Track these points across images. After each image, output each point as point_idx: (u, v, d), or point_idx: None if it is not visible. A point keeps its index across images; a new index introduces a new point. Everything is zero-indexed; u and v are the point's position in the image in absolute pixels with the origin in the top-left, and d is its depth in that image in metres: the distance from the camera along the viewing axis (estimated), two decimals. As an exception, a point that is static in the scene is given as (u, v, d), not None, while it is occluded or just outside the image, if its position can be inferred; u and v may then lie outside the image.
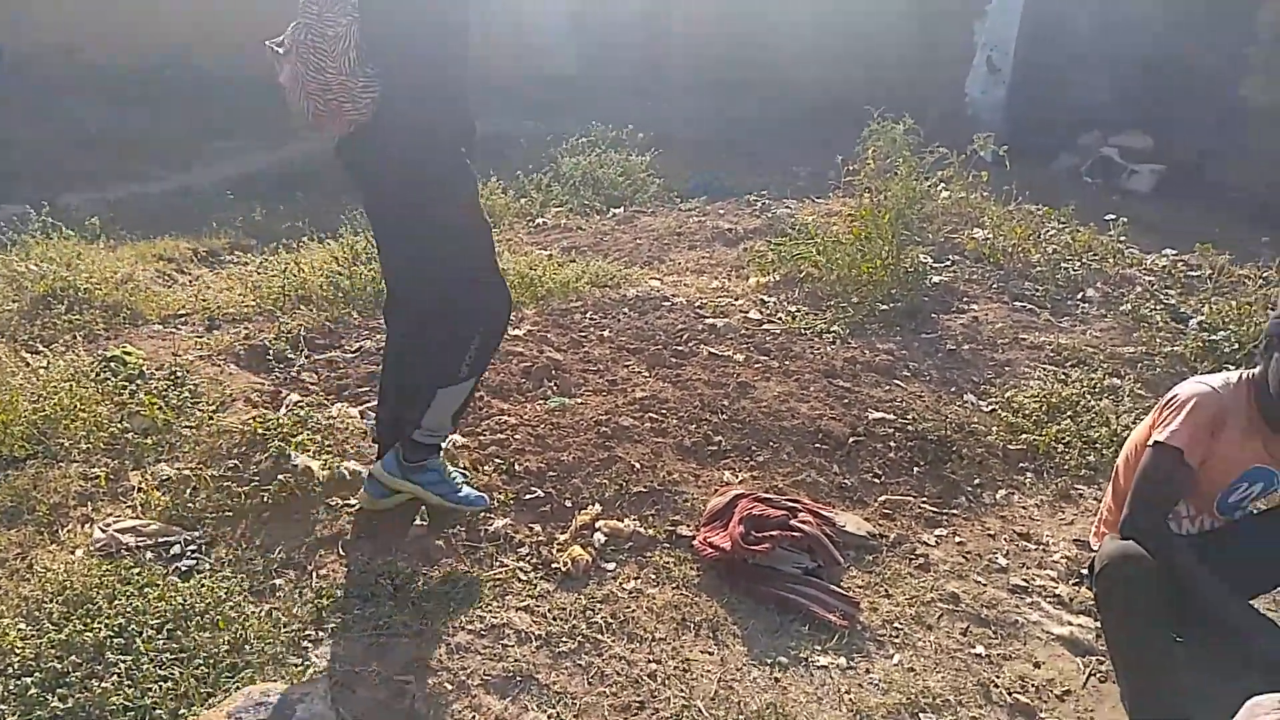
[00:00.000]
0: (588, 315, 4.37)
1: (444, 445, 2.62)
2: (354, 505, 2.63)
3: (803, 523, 2.66)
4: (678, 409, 3.36)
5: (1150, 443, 2.32)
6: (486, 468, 2.86)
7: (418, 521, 2.61)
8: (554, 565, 2.51)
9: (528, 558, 2.55)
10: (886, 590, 2.67)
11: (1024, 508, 3.18)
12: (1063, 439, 3.49)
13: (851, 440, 3.34)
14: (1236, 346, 4.16)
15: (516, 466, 2.87)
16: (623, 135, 7.98)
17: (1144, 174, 7.57)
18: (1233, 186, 7.32)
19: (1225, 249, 5.56)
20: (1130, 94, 8.16)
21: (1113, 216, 5.68)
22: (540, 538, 2.62)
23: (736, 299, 4.81)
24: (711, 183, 7.77)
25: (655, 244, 5.94)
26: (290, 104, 2.22)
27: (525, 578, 2.47)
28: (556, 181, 7.09)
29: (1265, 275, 5.16)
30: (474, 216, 2.40)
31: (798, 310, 4.63)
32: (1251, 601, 2.33)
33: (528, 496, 2.77)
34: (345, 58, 2.15)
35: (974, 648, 2.49)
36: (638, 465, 2.99)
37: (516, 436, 3.02)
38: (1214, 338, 4.25)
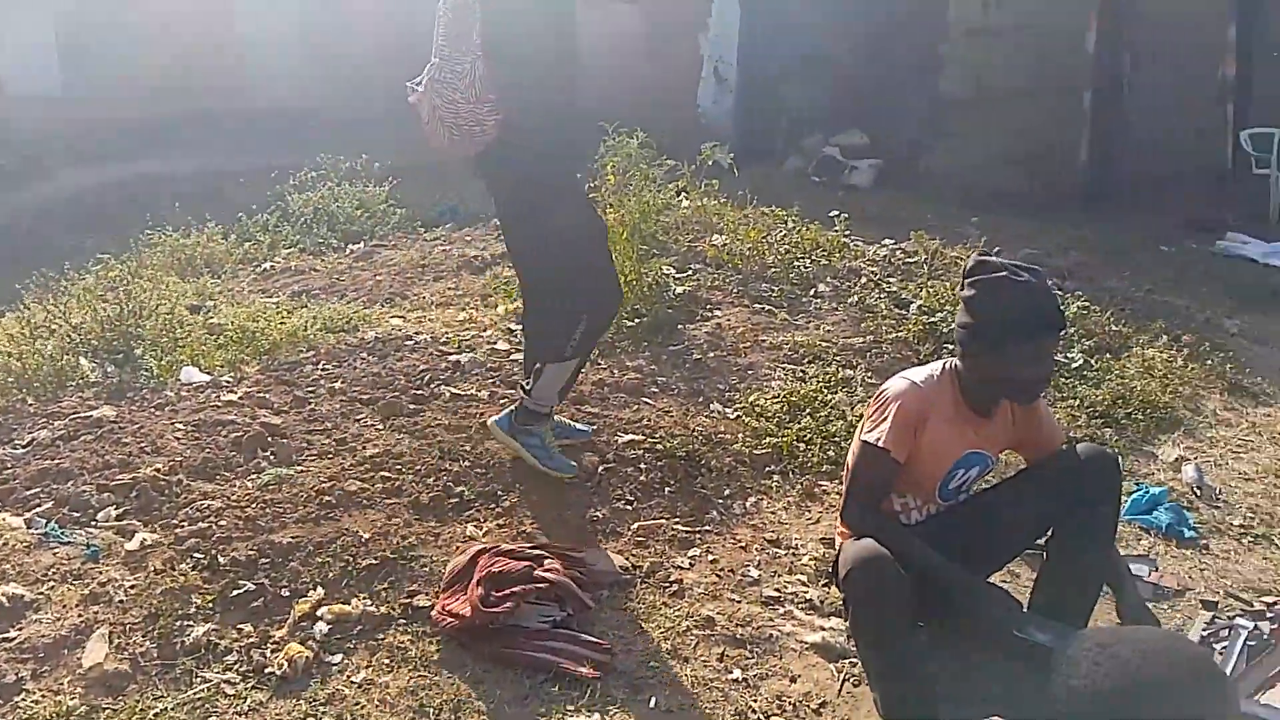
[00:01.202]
0: (319, 366, 4.02)
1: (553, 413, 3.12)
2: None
3: (549, 571, 2.51)
4: (414, 462, 3.12)
5: (860, 441, 2.35)
6: (183, 565, 2.50)
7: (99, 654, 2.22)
8: (268, 670, 2.22)
9: (236, 666, 2.23)
10: (641, 626, 2.57)
11: (772, 512, 3.20)
12: (804, 437, 3.56)
13: (601, 469, 3.24)
14: (953, 327, 4.45)
15: (221, 559, 2.53)
16: (357, 166, 7.58)
17: (864, 169, 8.09)
18: (941, 174, 7.96)
19: (938, 234, 5.99)
20: (846, 95, 8.71)
21: (836, 212, 5.98)
22: (252, 639, 2.31)
23: (485, 330, 4.61)
24: (458, 208, 7.54)
25: (398, 279, 5.63)
26: (427, 133, 2.75)
27: (233, 691, 2.16)
28: (285, 221, 6.61)
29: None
30: (583, 215, 2.92)
31: (546, 336, 4.50)
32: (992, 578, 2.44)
33: (235, 592, 2.44)
34: (472, 90, 2.62)
35: (731, 673, 2.43)
36: (367, 535, 2.73)
37: (221, 523, 2.67)
38: (933, 320, 4.53)
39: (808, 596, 2.77)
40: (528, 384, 3.02)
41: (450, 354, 4.17)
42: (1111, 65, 8.88)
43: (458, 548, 2.70)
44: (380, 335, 4.40)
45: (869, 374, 4.10)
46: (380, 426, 3.41)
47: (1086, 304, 5.06)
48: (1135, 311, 5.16)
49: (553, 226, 2.79)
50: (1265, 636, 2.54)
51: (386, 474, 3.04)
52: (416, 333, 4.47)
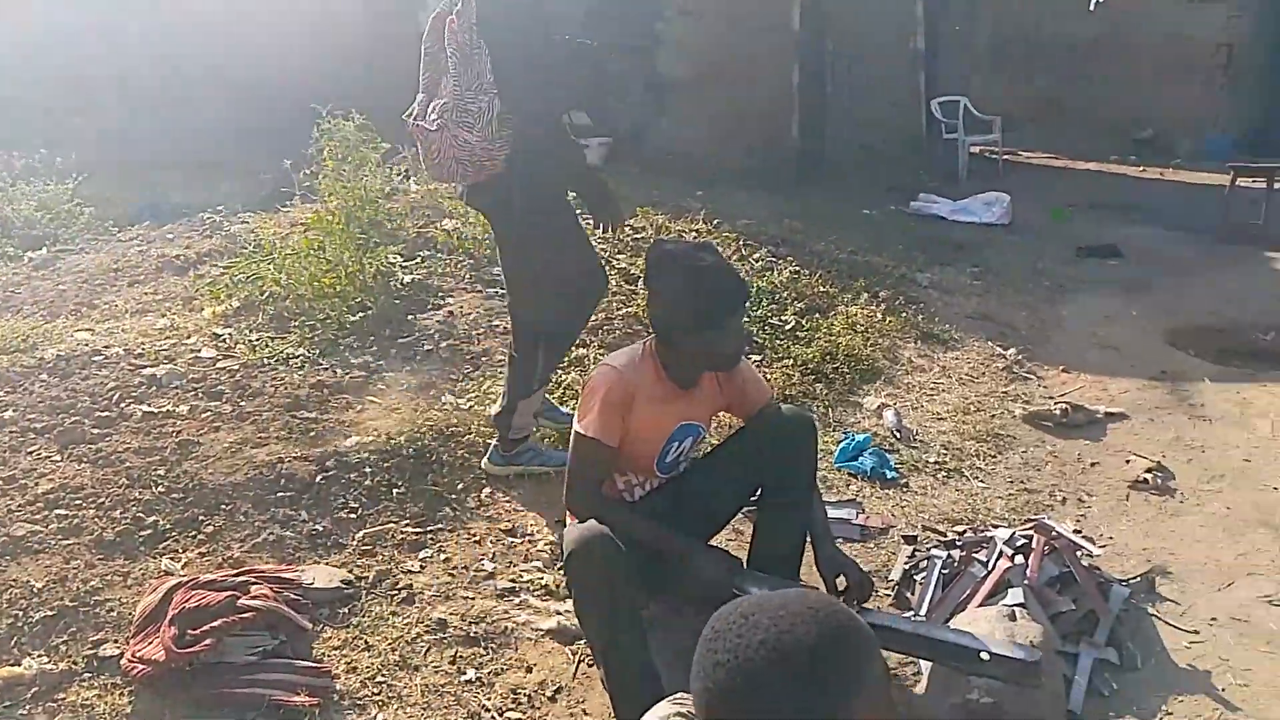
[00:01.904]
0: (-15, 395, 3.50)
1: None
2: None
3: (255, 598, 2.32)
4: (96, 494, 2.79)
5: (573, 431, 2.35)
6: None
7: None
8: (-95, 762, 1.89)
9: None
10: (367, 640, 2.44)
11: (508, 501, 3.15)
12: (537, 422, 3.53)
13: (320, 478, 3.05)
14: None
15: None
16: (35, 162, 6.69)
17: (594, 148, 8.17)
18: (666, 152, 8.21)
19: (665, 209, 6.17)
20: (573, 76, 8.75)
21: (566, 192, 5.99)
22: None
23: (188, 337, 4.20)
24: (159, 204, 6.84)
25: (85, 287, 5.02)
26: (432, 166, 2.92)
27: None
28: (-61, 231, 5.70)
29: (696, 228, 5.81)
30: (569, 237, 3.05)
31: (260, 338, 4.17)
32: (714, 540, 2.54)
33: None
34: (489, 128, 2.78)
35: (464, 674, 2.37)
36: (40, 584, 2.40)
37: None
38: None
39: (543, 582, 2.75)
40: (506, 420, 3.13)
41: (145, 367, 3.77)
42: (815, 44, 9.54)
43: (150, 586, 2.43)
44: (63, 352, 3.90)
45: (601, 350, 4.14)
46: (57, 457, 3.02)
47: (798, 269, 5.40)
48: (840, 273, 5.57)
49: (547, 251, 2.98)
50: (956, 564, 2.82)
51: (63, 511, 2.70)
52: (106, 346, 4.00)
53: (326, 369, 3.85)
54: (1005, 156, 10.77)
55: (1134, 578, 2.90)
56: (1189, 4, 12.48)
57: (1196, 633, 2.71)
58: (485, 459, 3.23)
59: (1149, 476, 3.56)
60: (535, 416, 3.25)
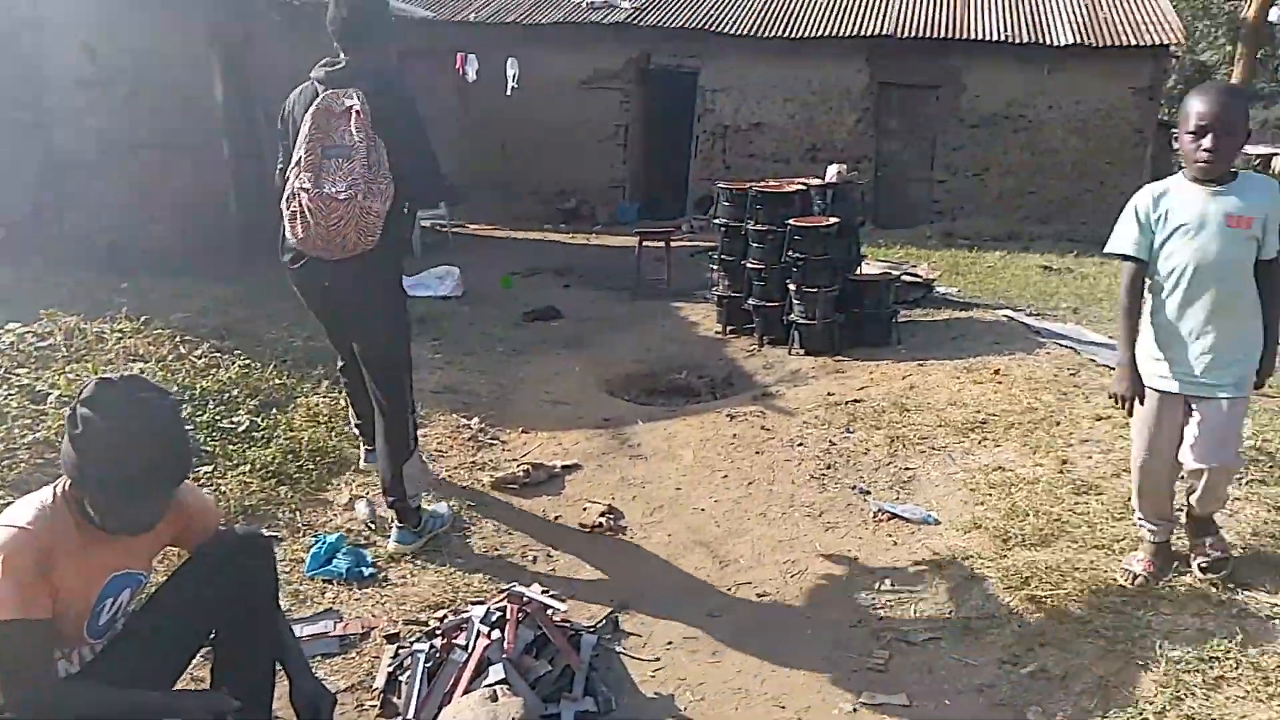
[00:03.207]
0: None
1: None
2: None
3: None
4: None
5: None
6: None
7: None
8: None
9: None
10: None
11: None
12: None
13: None
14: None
15: None
16: None
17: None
18: (76, 238, 7.13)
19: (79, 307, 5.33)
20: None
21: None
22: None
23: None
24: None
25: None
26: (317, 232, 3.13)
27: None
28: None
29: (120, 328, 5.09)
30: (404, 313, 3.56)
31: None
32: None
33: None
34: (389, 200, 3.16)
35: None
36: None
37: None
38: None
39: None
40: (397, 492, 3.48)
41: None
42: (244, 112, 9.09)
43: None
44: None
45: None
46: None
47: (248, 362, 5.02)
48: (298, 361, 5.29)
49: (401, 319, 3.52)
50: (438, 653, 2.76)
51: None
52: None
53: None
54: (454, 230, 11.35)
55: (600, 621, 3.13)
56: (589, 90, 14.47)
57: (658, 659, 3.01)
58: (392, 543, 3.50)
59: (603, 520, 3.91)
60: (425, 474, 3.81)
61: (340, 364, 3.83)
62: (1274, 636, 2.78)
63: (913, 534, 3.67)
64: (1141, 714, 2.57)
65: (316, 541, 3.44)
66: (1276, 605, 2.92)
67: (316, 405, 4.66)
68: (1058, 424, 4.32)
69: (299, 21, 9.23)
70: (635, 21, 14.07)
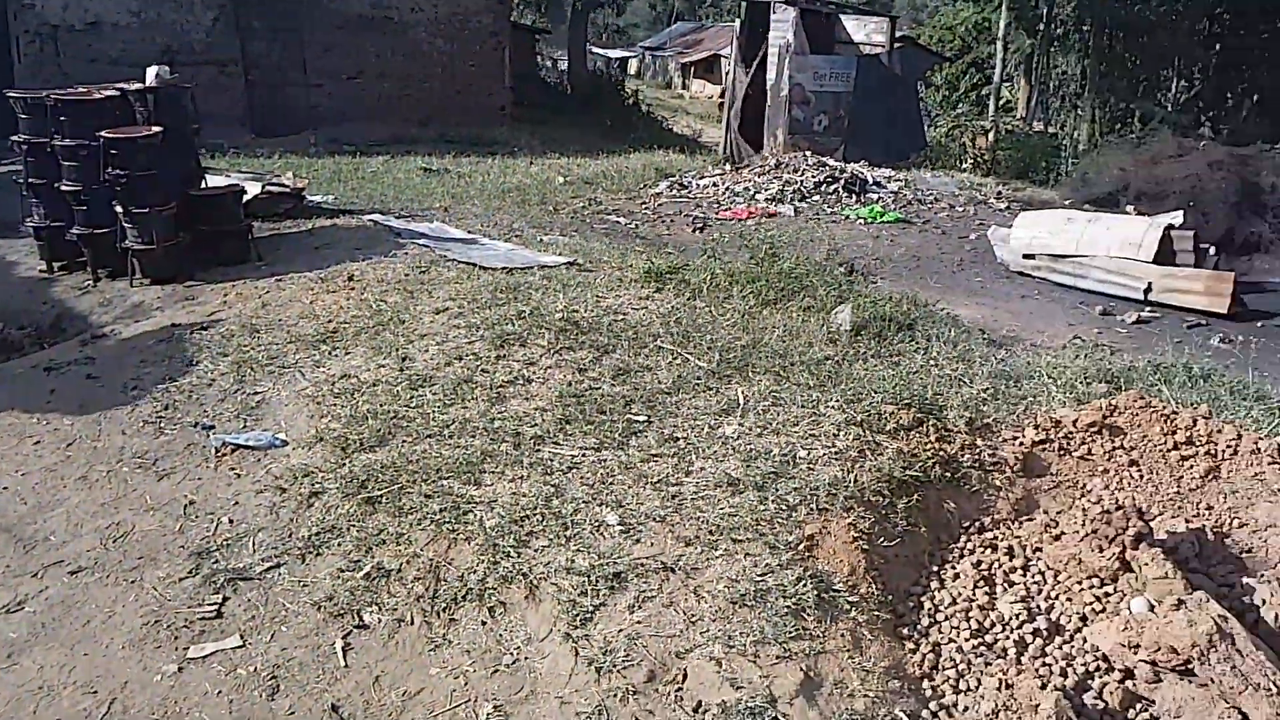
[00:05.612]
0: None
1: None
2: None
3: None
4: None
5: None
6: None
7: None
8: None
9: None
10: None
11: None
12: None
13: None
14: None
15: None
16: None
17: None
18: None
19: None
20: None
21: None
22: None
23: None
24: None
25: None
26: None
27: None
28: None
29: None
30: None
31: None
32: None
33: None
34: None
35: None
36: None
37: None
38: None
39: None
40: None
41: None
42: None
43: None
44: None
45: None
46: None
47: None
48: None
49: None
50: None
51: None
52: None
53: None
54: None
55: None
56: None
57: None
58: None
59: None
60: None
61: None
62: (570, 485, 3.16)
63: (258, 462, 3.47)
64: (464, 582, 2.75)
65: None
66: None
67: None
68: (402, 322, 4.40)
69: None
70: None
